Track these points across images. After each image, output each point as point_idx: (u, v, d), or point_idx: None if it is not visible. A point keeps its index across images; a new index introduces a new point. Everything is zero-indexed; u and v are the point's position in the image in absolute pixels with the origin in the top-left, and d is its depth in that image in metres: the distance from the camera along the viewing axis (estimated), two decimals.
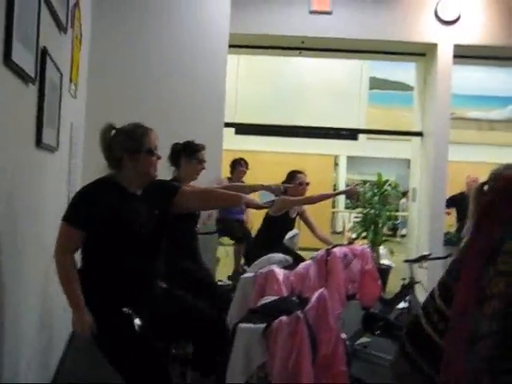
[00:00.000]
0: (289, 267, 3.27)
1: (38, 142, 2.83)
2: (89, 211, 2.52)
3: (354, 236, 8.11)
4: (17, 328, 2.56)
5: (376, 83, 16.64)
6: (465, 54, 6.99)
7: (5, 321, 2.34)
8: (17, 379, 2.60)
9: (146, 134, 2.66)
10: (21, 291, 2.62)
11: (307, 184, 5.02)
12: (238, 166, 6.35)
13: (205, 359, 2.82)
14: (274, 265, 3.03)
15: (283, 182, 5.08)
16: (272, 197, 5.00)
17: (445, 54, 6.74)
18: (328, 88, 14.63)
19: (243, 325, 2.16)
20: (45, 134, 2.92)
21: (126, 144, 2.61)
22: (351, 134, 9.16)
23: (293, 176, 5.01)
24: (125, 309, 2.49)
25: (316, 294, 2.32)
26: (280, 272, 2.92)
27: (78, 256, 2.61)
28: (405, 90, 15.08)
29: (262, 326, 2.10)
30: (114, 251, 2.56)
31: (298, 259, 4.48)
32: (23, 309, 2.69)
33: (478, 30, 6.67)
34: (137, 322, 2.47)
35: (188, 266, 3.80)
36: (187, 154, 3.96)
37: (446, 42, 6.72)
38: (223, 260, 6.22)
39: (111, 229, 2.52)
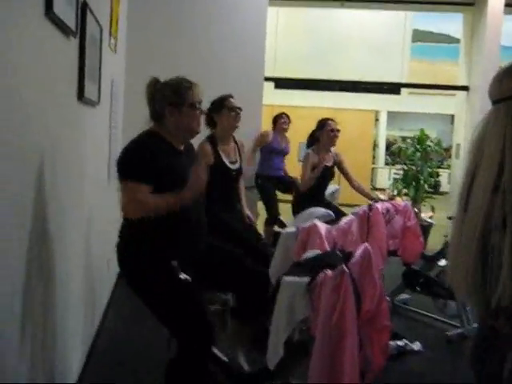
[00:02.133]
0: (331, 222, 3.24)
1: (80, 95, 2.83)
2: (150, 164, 2.49)
3: (394, 193, 8.01)
4: (64, 284, 2.62)
5: (419, 35, 16.17)
6: None
7: (55, 273, 2.40)
8: (63, 333, 2.67)
9: (189, 87, 2.62)
10: (66, 245, 2.67)
11: (338, 131, 4.95)
12: (280, 118, 6.29)
13: (245, 307, 2.86)
14: (316, 219, 3.01)
15: (314, 131, 5.05)
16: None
17: (495, 3, 6.44)
18: (369, 41, 14.28)
19: (287, 278, 2.16)
20: (87, 88, 2.91)
21: (168, 97, 2.59)
22: (393, 89, 8.94)
23: (323, 124, 4.96)
24: (173, 262, 2.51)
25: (360, 249, 2.30)
26: (322, 226, 2.90)
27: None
28: (450, 42, 14.63)
29: (307, 279, 2.09)
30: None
31: (340, 213, 4.45)
32: (69, 264, 2.75)
33: None
34: (182, 275, 2.49)
35: (226, 217, 3.82)
36: (216, 108, 3.94)
37: None
38: (263, 215, 6.22)
39: (165, 182, 2.51)
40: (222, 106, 3.94)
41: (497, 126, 1.42)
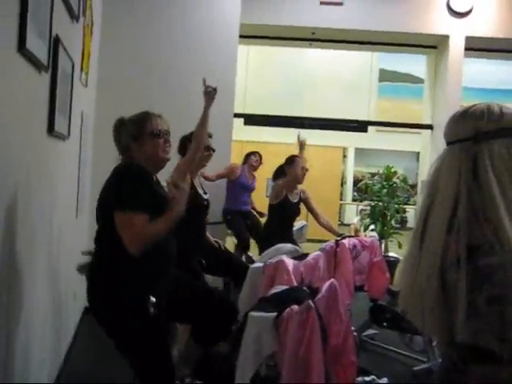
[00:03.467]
0: (298, 258, 3.27)
1: (51, 129, 2.84)
2: (145, 194, 2.50)
3: (362, 228, 8.10)
4: (30, 314, 2.58)
5: (386, 75, 16.58)
6: (476, 47, 6.94)
7: (19, 304, 2.36)
8: (27, 364, 2.62)
9: (148, 118, 2.66)
10: (34, 276, 2.64)
11: (306, 170, 5.03)
12: (251, 155, 6.38)
13: (207, 330, 2.87)
14: (283, 255, 3.04)
15: (281, 166, 5.12)
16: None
17: (456, 46, 6.70)
18: (338, 80, 14.61)
19: (254, 313, 2.17)
20: (57, 121, 2.92)
21: (130, 130, 2.64)
22: (360, 126, 9.10)
23: (292, 160, 5.03)
24: (151, 298, 2.50)
25: (326, 285, 2.33)
26: (290, 262, 2.93)
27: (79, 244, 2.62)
28: (415, 82, 15.02)
29: (273, 314, 2.11)
30: None
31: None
32: (34, 293, 2.71)
33: (490, 22, 6.62)
34: (152, 309, 2.48)
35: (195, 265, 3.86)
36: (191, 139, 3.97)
37: (457, 34, 6.68)
38: (231, 250, 6.23)
39: (158, 210, 2.51)
40: None
41: (451, 165, 1.48)
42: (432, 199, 1.51)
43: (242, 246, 6.04)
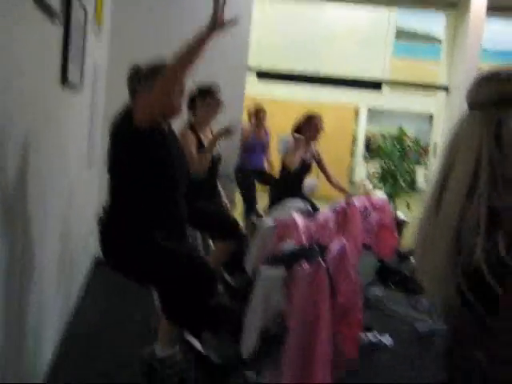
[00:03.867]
0: (308, 215, 3.28)
1: (64, 79, 2.82)
2: None
3: (371, 187, 8.08)
4: (41, 263, 2.61)
5: (402, 34, 16.27)
6: (499, 6, 6.75)
7: (32, 256, 2.39)
8: (41, 311, 2.67)
9: (163, 62, 2.65)
10: (44, 225, 2.66)
11: (322, 129, 5.01)
12: (260, 113, 6.32)
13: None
14: (293, 212, 3.04)
15: (299, 124, 5.08)
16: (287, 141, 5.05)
17: (478, 5, 6.51)
18: (353, 36, 14.36)
19: (264, 269, 2.19)
20: (70, 72, 2.90)
21: (146, 76, 2.63)
22: (374, 85, 8.96)
23: (310, 118, 5.01)
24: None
25: (337, 244, 2.33)
26: (300, 220, 2.93)
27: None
28: (432, 41, 14.75)
29: (283, 271, 2.12)
30: (163, 182, 2.61)
31: (315, 208, 4.50)
32: (46, 244, 2.74)
33: None
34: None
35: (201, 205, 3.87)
36: (202, 95, 3.96)
37: None
38: (239, 205, 6.25)
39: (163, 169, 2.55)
40: (209, 96, 3.96)
41: (472, 132, 1.45)
42: (451, 165, 1.49)
43: (247, 213, 6.06)
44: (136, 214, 2.57)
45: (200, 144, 3.87)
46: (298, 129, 5.09)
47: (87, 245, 4.10)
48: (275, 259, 2.34)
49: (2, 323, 1.99)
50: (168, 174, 2.58)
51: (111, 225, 2.64)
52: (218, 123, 4.19)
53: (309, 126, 4.99)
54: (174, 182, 2.64)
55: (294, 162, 4.86)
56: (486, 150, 1.40)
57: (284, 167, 5.05)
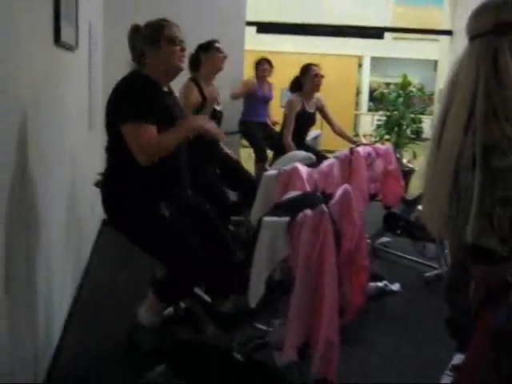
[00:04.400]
0: (312, 165, 3.27)
1: (57, 39, 2.77)
2: (149, 102, 2.48)
3: (377, 138, 8.03)
4: (49, 229, 2.63)
5: None
6: None
7: (38, 220, 2.40)
8: (48, 277, 2.70)
9: (166, 24, 2.62)
10: (49, 191, 2.66)
11: (322, 76, 4.95)
12: (261, 65, 6.20)
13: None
14: (297, 162, 3.03)
15: (297, 77, 5.03)
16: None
17: None
18: None
19: (268, 218, 2.19)
20: (63, 31, 2.85)
21: (147, 36, 2.61)
22: (376, 33, 8.80)
23: (307, 69, 4.95)
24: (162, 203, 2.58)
25: (340, 190, 2.33)
26: (303, 169, 2.92)
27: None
28: None
29: (287, 218, 2.13)
30: None
31: (321, 158, 4.49)
32: (52, 211, 2.75)
33: None
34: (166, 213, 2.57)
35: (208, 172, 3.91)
36: (204, 48, 3.99)
37: None
38: (245, 162, 6.23)
39: (161, 122, 2.51)
40: (211, 47, 4.02)
41: (471, 62, 1.43)
42: (450, 102, 1.47)
43: (259, 157, 6.03)
44: (133, 175, 2.55)
45: (202, 97, 3.88)
46: (296, 82, 5.03)
47: (94, 206, 4.12)
48: (279, 208, 2.35)
49: (12, 287, 2.01)
50: (164, 125, 2.54)
51: (110, 187, 2.65)
52: (220, 78, 4.17)
53: (307, 78, 4.93)
54: None
55: (289, 128, 4.83)
56: (483, 78, 1.37)
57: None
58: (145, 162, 2.46)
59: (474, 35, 1.45)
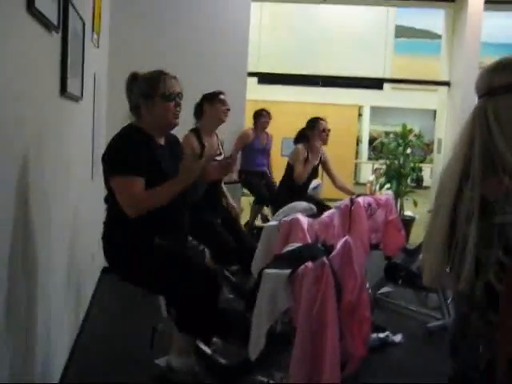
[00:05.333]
0: (313, 216, 3.28)
1: (63, 91, 2.83)
2: (139, 157, 2.49)
3: (377, 187, 8.08)
4: (49, 277, 2.62)
5: (402, 31, 16.28)
6: (496, 0, 6.75)
7: (38, 267, 2.40)
8: (48, 326, 2.68)
9: (162, 79, 2.61)
10: (50, 239, 2.67)
11: (329, 130, 5.00)
12: (260, 117, 6.29)
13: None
14: (298, 213, 3.05)
15: (304, 129, 5.08)
16: (292, 144, 5.05)
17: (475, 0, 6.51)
18: (353, 36, 14.36)
19: (269, 270, 2.19)
20: (69, 83, 2.91)
21: (142, 88, 2.61)
22: (376, 84, 8.96)
23: (315, 123, 4.99)
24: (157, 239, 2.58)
25: (341, 241, 2.34)
26: (304, 220, 2.94)
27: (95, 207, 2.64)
28: (432, 38, 14.75)
29: (288, 271, 2.13)
30: None
31: (322, 208, 4.50)
32: (53, 258, 2.75)
33: None
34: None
35: (208, 216, 3.87)
36: (209, 99, 4.02)
37: None
38: (246, 210, 6.25)
39: (149, 176, 2.52)
40: (215, 99, 4.02)
41: (468, 121, 1.48)
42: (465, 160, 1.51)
43: (259, 202, 6.05)
44: (131, 224, 2.55)
45: (202, 149, 3.91)
46: (302, 134, 5.08)
47: (94, 254, 4.12)
48: (280, 259, 2.35)
49: (11, 335, 2.00)
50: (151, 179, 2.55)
51: (110, 236, 2.65)
52: (222, 127, 4.22)
53: (315, 132, 4.97)
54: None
55: (303, 176, 4.86)
56: (479, 139, 1.41)
57: (289, 173, 5.05)
58: (132, 214, 2.47)
59: (478, 95, 1.53)
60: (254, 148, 6.12)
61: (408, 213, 7.66)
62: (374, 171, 6.05)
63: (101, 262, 4.44)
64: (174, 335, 2.70)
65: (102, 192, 4.28)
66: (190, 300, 2.57)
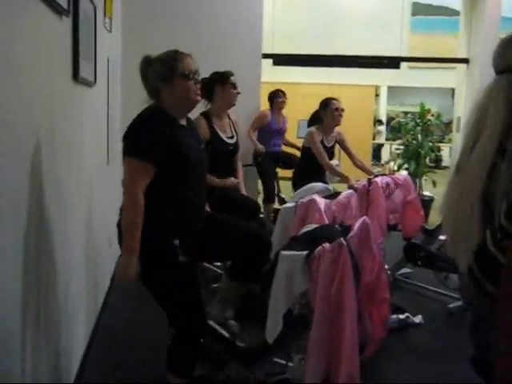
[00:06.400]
0: (330, 197, 3.25)
1: (75, 75, 2.82)
2: (156, 143, 2.43)
3: (395, 168, 8.00)
4: (66, 264, 2.63)
5: (419, 9, 16.01)
6: None
7: (55, 252, 2.41)
8: (66, 313, 2.69)
9: (178, 58, 2.55)
10: (66, 226, 2.67)
11: (342, 110, 4.92)
12: (277, 97, 6.22)
13: (243, 267, 2.84)
14: (315, 194, 3.01)
15: (317, 111, 5.02)
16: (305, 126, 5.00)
17: None
18: (368, 15, 14.15)
19: (285, 252, 2.16)
20: (82, 67, 2.90)
21: (159, 71, 2.55)
22: (393, 63, 8.81)
23: (327, 103, 4.92)
24: (175, 241, 2.48)
25: (358, 222, 2.30)
26: (321, 201, 2.90)
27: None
28: (450, 15, 14.48)
29: (305, 252, 2.10)
30: (170, 183, 2.51)
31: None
32: (70, 245, 2.76)
33: None
34: (182, 258, 2.47)
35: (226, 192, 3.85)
36: (220, 81, 3.96)
37: None
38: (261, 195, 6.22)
39: (172, 161, 2.47)
40: (226, 81, 3.95)
41: (499, 97, 1.41)
42: (479, 132, 1.45)
43: (267, 198, 6.04)
44: (148, 208, 2.50)
45: (212, 132, 3.87)
46: (316, 116, 5.03)
47: (112, 242, 4.13)
48: (296, 241, 2.32)
49: (32, 323, 2.01)
50: (181, 170, 2.52)
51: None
52: (237, 109, 4.18)
53: (327, 112, 4.90)
54: (187, 177, 2.58)
55: (328, 164, 4.82)
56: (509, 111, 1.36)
57: (305, 156, 5.00)
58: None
59: (502, 69, 1.44)
60: (271, 129, 6.08)
61: (427, 193, 7.58)
62: (391, 153, 5.98)
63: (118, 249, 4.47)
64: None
65: (119, 176, 4.29)
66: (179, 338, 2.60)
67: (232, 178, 3.95)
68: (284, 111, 6.33)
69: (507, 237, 1.27)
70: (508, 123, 1.37)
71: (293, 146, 6.36)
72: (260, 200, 5.86)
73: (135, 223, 2.35)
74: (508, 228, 1.26)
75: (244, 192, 4.10)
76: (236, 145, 4.03)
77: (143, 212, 2.36)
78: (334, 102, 4.91)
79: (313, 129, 4.93)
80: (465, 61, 7.14)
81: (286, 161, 6.17)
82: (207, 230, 2.73)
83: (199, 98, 2.64)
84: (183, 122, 2.67)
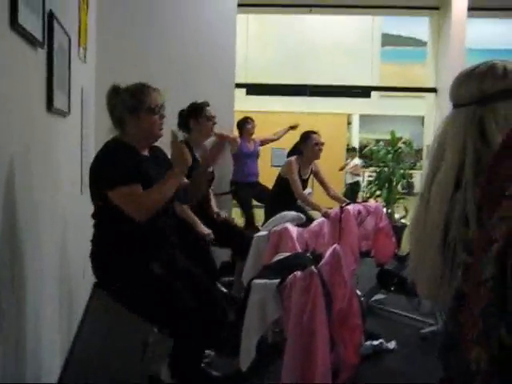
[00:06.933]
0: (302, 225, 3.29)
1: (49, 106, 2.83)
2: (134, 167, 2.50)
3: (367, 195, 8.10)
4: (38, 288, 2.60)
5: (388, 39, 16.41)
6: (480, 6, 6.82)
7: (27, 283, 2.39)
8: (39, 341, 2.66)
9: (146, 92, 2.62)
10: (40, 253, 2.65)
11: (322, 144, 4.99)
12: (246, 124, 6.30)
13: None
14: (287, 222, 3.05)
15: (297, 143, 5.09)
16: (282, 154, 5.07)
17: (459, 6, 6.58)
18: (339, 46, 14.47)
19: (258, 280, 2.19)
20: (56, 98, 2.91)
21: (127, 102, 2.60)
22: (364, 92, 9.00)
23: (307, 136, 4.98)
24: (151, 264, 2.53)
25: (330, 250, 2.34)
26: (294, 229, 2.94)
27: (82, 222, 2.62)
28: (418, 45, 14.87)
29: (277, 281, 2.13)
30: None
31: (311, 219, 4.51)
32: (43, 270, 2.73)
33: None
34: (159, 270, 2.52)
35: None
36: (194, 114, 4.00)
37: None
38: (237, 221, 6.24)
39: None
40: (201, 114, 3.99)
41: (457, 130, 1.46)
42: (438, 163, 1.50)
43: (248, 223, 6.06)
44: (121, 238, 2.53)
45: (194, 161, 3.90)
46: (295, 149, 5.08)
47: (85, 270, 4.09)
48: (269, 269, 2.35)
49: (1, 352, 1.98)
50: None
51: (100, 254, 2.63)
52: (211, 140, 4.22)
53: (307, 146, 4.96)
54: None
55: (302, 195, 4.87)
56: (471, 146, 1.41)
57: (280, 185, 5.05)
58: (144, 217, 2.47)
59: (459, 103, 1.49)
60: (242, 153, 6.12)
61: (400, 218, 7.68)
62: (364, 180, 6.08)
63: (92, 277, 4.43)
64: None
65: (92, 207, 4.28)
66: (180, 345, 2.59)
67: (206, 230, 3.89)
68: (254, 137, 6.38)
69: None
70: (463, 158, 1.42)
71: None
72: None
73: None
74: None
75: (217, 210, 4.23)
76: (213, 174, 4.09)
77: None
78: (315, 136, 4.97)
79: (292, 159, 4.98)
80: (433, 90, 7.34)
81: (261, 195, 6.21)
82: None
83: (162, 132, 2.69)
84: (145, 153, 2.71)
